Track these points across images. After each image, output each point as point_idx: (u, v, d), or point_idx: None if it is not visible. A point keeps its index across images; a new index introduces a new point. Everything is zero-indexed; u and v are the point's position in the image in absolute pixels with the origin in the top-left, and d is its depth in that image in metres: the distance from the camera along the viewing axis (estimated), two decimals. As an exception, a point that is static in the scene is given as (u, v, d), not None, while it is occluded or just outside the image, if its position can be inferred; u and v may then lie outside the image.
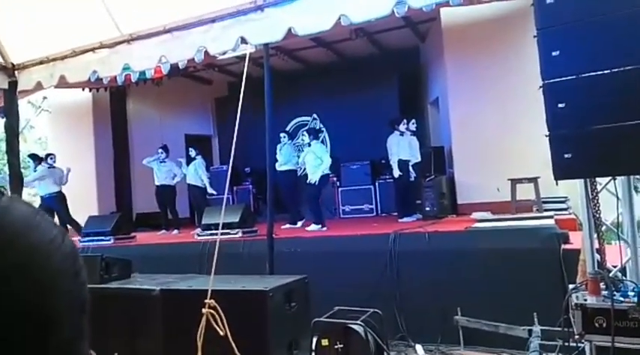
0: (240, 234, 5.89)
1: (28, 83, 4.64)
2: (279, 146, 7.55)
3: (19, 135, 4.90)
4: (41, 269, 0.35)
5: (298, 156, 7.63)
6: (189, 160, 8.72)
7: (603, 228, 2.67)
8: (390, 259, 4.61)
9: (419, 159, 7.24)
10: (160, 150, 8.52)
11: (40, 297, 0.34)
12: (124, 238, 6.87)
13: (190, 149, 8.87)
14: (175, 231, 8.30)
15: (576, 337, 2.35)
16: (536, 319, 3.59)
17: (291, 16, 3.45)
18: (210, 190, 8.45)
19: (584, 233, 2.65)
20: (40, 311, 0.34)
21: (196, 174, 8.46)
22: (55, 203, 7.78)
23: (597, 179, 2.61)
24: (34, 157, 8.39)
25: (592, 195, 2.59)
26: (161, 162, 8.50)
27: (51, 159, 8.20)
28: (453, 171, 7.55)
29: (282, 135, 7.77)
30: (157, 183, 8.55)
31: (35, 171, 8.09)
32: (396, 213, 7.51)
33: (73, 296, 0.37)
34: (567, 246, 4.05)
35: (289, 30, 3.50)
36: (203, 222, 6.41)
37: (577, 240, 3.70)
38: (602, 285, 2.40)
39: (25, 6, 4.15)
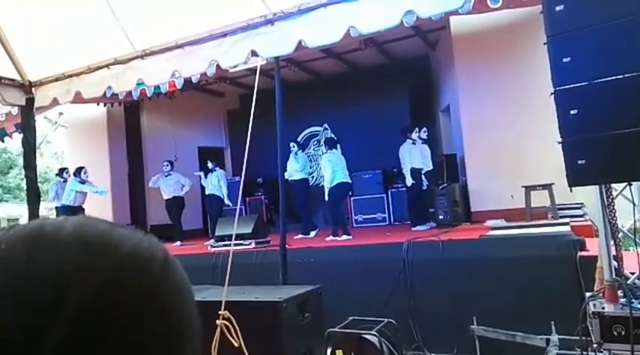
0: (253, 245, 5.91)
1: (44, 99, 4.73)
2: (290, 156, 7.61)
3: (36, 151, 4.99)
4: (191, 316, 0.41)
5: (310, 166, 7.67)
6: (207, 172, 8.83)
7: (620, 234, 2.64)
8: (404, 268, 4.58)
9: (431, 167, 7.22)
10: (165, 164, 8.73)
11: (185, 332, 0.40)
12: (138, 250, 6.90)
13: (208, 161, 8.99)
14: (178, 243, 8.23)
15: (595, 346, 2.32)
16: (553, 328, 3.53)
17: (301, 28, 3.47)
18: (226, 201, 8.57)
19: (601, 239, 2.62)
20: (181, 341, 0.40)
21: (218, 184, 8.58)
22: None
23: (613, 185, 2.58)
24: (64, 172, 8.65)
25: (607, 201, 2.56)
26: (166, 175, 8.65)
27: (66, 173, 8.43)
28: (465, 179, 7.50)
29: (292, 144, 7.82)
30: (165, 197, 8.68)
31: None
32: (409, 222, 7.48)
33: (198, 329, 0.43)
34: (584, 253, 3.99)
35: (299, 42, 3.53)
36: (216, 234, 6.45)
37: (594, 246, 3.65)
38: (620, 293, 2.36)
39: (41, 25, 4.26)
